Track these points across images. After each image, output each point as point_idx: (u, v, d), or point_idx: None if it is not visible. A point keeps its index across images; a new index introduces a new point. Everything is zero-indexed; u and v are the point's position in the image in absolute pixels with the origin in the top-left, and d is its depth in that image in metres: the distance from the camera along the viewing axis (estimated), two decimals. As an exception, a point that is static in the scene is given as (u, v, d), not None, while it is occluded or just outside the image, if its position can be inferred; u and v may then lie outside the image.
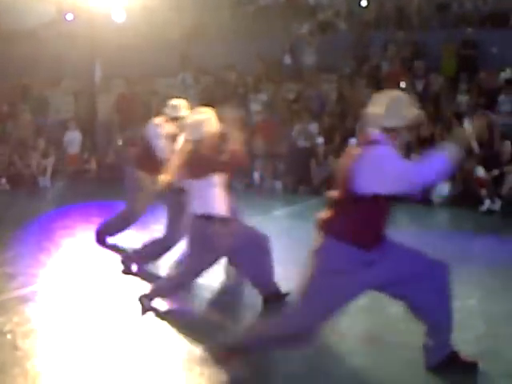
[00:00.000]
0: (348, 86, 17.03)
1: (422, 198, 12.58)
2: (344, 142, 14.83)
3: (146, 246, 7.90)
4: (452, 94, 15.37)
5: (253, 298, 6.86)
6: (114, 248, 9.07)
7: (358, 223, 4.62)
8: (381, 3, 20.24)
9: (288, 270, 8.03)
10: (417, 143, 13.68)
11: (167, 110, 8.80)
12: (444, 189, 12.86)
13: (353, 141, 14.74)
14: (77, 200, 13.82)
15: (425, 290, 4.92)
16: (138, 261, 7.96)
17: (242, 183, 15.40)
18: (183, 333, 5.89)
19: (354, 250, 4.64)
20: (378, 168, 4.49)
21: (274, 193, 14.88)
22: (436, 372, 5.00)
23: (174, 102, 8.87)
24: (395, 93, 4.90)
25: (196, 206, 6.23)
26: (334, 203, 4.76)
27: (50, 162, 17.04)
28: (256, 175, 15.49)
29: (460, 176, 12.78)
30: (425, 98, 14.96)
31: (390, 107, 4.68)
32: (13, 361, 5.15)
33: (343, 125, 15.71)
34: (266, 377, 5.03)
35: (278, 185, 15.25)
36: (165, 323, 6.13)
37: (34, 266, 8.09)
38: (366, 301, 6.69)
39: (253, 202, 13.21)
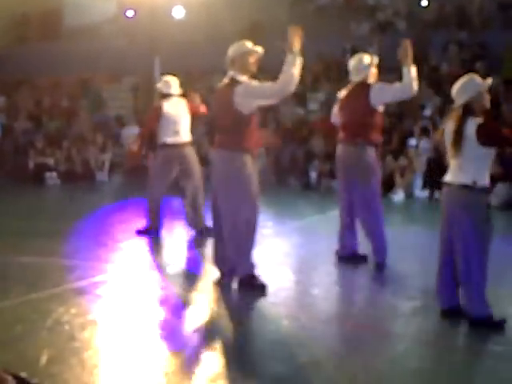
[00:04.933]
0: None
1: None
2: (402, 142, 14.74)
3: None
4: (512, 96, 15.15)
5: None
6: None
7: None
8: (441, 3, 20.02)
9: (343, 269, 8.03)
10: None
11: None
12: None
13: (412, 141, 14.65)
14: (134, 195, 13.95)
15: None
16: None
17: (298, 182, 15.42)
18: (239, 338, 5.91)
19: None
20: None
21: (330, 192, 14.81)
22: (492, 376, 4.95)
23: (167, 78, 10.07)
24: None
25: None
26: None
27: (107, 156, 17.26)
28: (313, 174, 15.47)
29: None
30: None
31: None
32: (70, 351, 5.21)
33: (401, 125, 15.60)
34: (317, 376, 5.00)
35: (335, 184, 15.18)
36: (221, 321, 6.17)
37: (91, 259, 8.20)
38: (420, 302, 6.68)
39: (310, 201, 13.21)
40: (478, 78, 6.00)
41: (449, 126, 5.93)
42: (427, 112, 15.61)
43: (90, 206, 12.49)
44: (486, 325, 5.76)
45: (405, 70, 7.38)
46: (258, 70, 7.20)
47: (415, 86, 7.44)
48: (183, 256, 8.63)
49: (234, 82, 6.93)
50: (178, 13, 21.62)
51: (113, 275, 7.50)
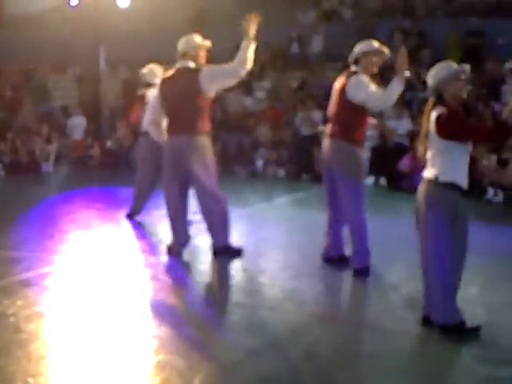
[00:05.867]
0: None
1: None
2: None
3: None
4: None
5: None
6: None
7: None
8: (386, -9, 20.21)
9: (289, 257, 8.11)
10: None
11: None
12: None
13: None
14: (80, 185, 13.86)
15: None
16: None
17: (245, 170, 15.45)
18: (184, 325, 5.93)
19: None
20: None
21: (276, 180, 14.91)
22: (435, 362, 5.04)
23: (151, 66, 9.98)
24: None
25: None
26: None
27: (53, 147, 17.07)
28: (259, 162, 15.52)
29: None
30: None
31: None
32: (16, 343, 5.17)
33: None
34: (263, 363, 5.04)
35: (281, 172, 15.27)
36: (167, 309, 6.18)
37: (37, 251, 8.12)
38: (365, 287, 6.76)
39: (256, 189, 13.25)
40: (452, 64, 5.62)
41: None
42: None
43: (36, 197, 12.35)
44: (456, 333, 5.42)
45: (396, 80, 6.76)
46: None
47: (394, 99, 6.91)
48: (131, 245, 8.59)
49: (192, 69, 7.51)
50: (123, 1, 21.43)
51: (60, 266, 7.45)
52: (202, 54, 7.66)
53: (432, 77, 5.54)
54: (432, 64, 5.90)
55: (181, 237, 7.88)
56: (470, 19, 17.09)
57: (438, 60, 5.96)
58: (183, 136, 7.50)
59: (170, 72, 7.75)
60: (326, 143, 7.37)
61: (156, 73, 9.72)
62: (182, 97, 7.49)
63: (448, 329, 5.42)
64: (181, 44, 7.62)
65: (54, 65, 21.26)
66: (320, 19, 20.07)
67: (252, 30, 7.38)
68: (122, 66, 19.89)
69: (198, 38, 7.65)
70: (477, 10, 18.09)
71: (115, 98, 18.75)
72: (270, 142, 15.78)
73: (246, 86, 17.67)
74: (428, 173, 5.49)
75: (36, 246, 8.38)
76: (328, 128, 7.35)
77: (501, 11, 17.86)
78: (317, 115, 15.73)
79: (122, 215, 10.17)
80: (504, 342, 5.47)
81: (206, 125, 7.59)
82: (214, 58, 7.66)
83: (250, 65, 7.38)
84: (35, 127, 18.12)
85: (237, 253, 7.84)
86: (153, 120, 8.01)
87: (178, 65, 7.64)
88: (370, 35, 18.17)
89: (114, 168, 16.24)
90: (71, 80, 21.04)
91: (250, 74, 14.53)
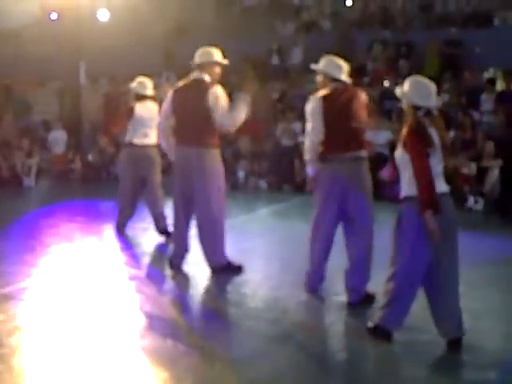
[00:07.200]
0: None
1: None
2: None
3: None
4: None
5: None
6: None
7: None
8: (365, 3, 20.33)
9: (272, 267, 8.13)
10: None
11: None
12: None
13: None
14: (61, 199, 13.81)
15: None
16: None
17: (226, 182, 15.45)
18: (169, 334, 5.93)
19: None
20: None
21: (258, 191, 14.92)
22: (422, 367, 5.08)
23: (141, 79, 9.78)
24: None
25: None
26: None
27: (34, 161, 17.01)
28: (241, 174, 15.53)
29: (445, 173, 12.80)
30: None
31: None
32: (-2, 357, 5.17)
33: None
34: (248, 372, 5.06)
35: (263, 183, 15.28)
36: (148, 320, 6.17)
37: (19, 265, 8.08)
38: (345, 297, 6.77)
39: (237, 200, 13.23)
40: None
41: None
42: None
43: (18, 211, 12.28)
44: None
45: None
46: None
47: None
48: (113, 257, 8.58)
49: (204, 83, 7.51)
50: (103, 16, 21.47)
51: (41, 280, 7.43)
52: (218, 71, 7.67)
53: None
54: (411, 74, 5.95)
55: (181, 249, 7.87)
56: (448, 29, 17.23)
57: (417, 69, 6.03)
58: (193, 148, 7.47)
59: (184, 82, 7.74)
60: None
61: (146, 85, 9.66)
62: (191, 108, 7.49)
63: (460, 341, 5.50)
64: (198, 55, 7.66)
65: (33, 79, 21.21)
66: (299, 31, 20.16)
67: (251, 89, 7.57)
68: (103, 79, 19.86)
69: (217, 54, 7.69)
70: (454, 20, 18.25)
71: (96, 111, 18.71)
72: (251, 153, 15.80)
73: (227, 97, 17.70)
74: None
75: (17, 260, 8.34)
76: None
77: (477, 21, 18.04)
78: (297, 126, 15.78)
79: (104, 228, 10.16)
80: (487, 346, 5.55)
81: (215, 139, 7.58)
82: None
83: (240, 122, 7.53)
84: (16, 142, 18.03)
85: (237, 270, 7.72)
86: (163, 129, 7.87)
87: (193, 75, 7.64)
88: (349, 46, 18.39)
89: (96, 181, 16.24)
90: (51, 94, 20.98)
91: (230, 85, 14.65)
